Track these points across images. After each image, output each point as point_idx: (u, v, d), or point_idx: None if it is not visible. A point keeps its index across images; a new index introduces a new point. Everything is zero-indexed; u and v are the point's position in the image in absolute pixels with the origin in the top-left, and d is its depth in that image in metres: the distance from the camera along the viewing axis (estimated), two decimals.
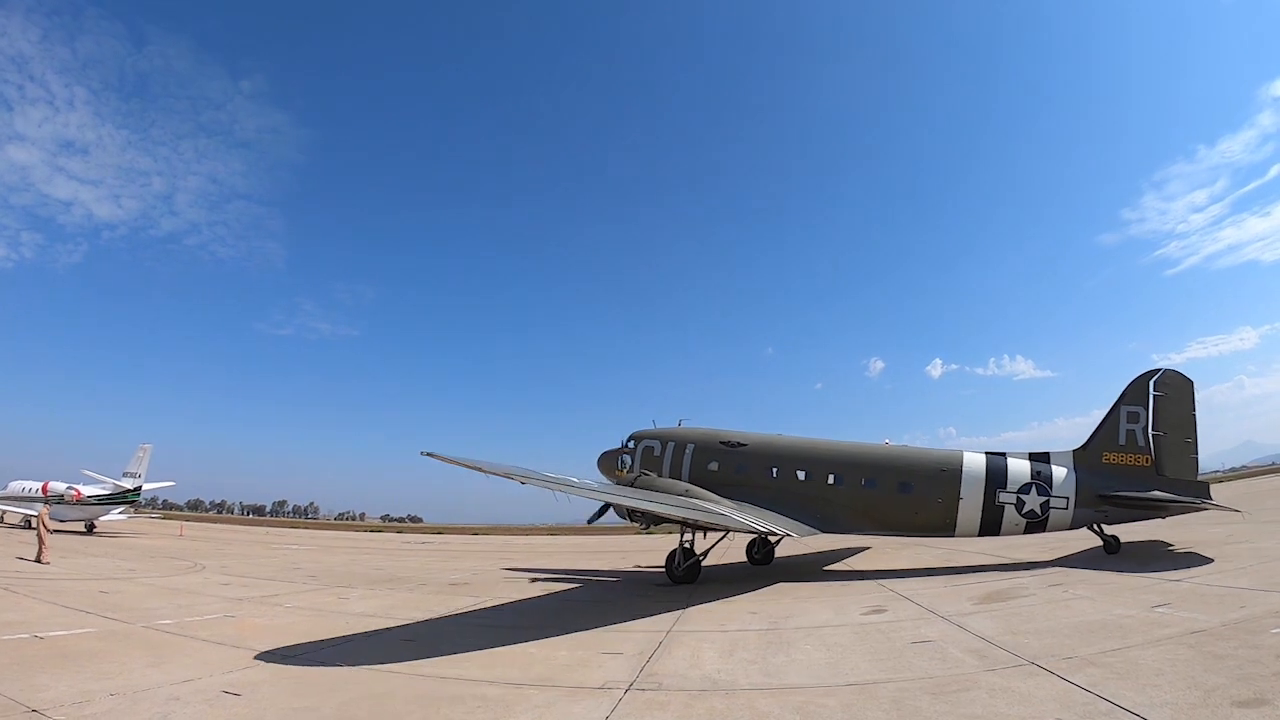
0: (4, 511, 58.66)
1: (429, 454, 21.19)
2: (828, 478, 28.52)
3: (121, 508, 58.70)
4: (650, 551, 35.74)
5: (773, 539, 29.02)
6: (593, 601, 20.92)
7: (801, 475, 28.92)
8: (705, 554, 26.74)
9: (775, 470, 29.39)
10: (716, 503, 26.25)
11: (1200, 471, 25.67)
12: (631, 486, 27.29)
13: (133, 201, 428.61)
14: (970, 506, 26.22)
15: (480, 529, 69.46)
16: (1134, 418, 25.62)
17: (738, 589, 22.28)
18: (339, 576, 29.05)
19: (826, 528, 27.67)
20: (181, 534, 62.68)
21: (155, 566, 31.37)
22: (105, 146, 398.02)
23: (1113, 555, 23.51)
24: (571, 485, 22.73)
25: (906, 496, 27.11)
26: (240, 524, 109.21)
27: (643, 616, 17.74)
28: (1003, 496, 25.86)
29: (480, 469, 21.81)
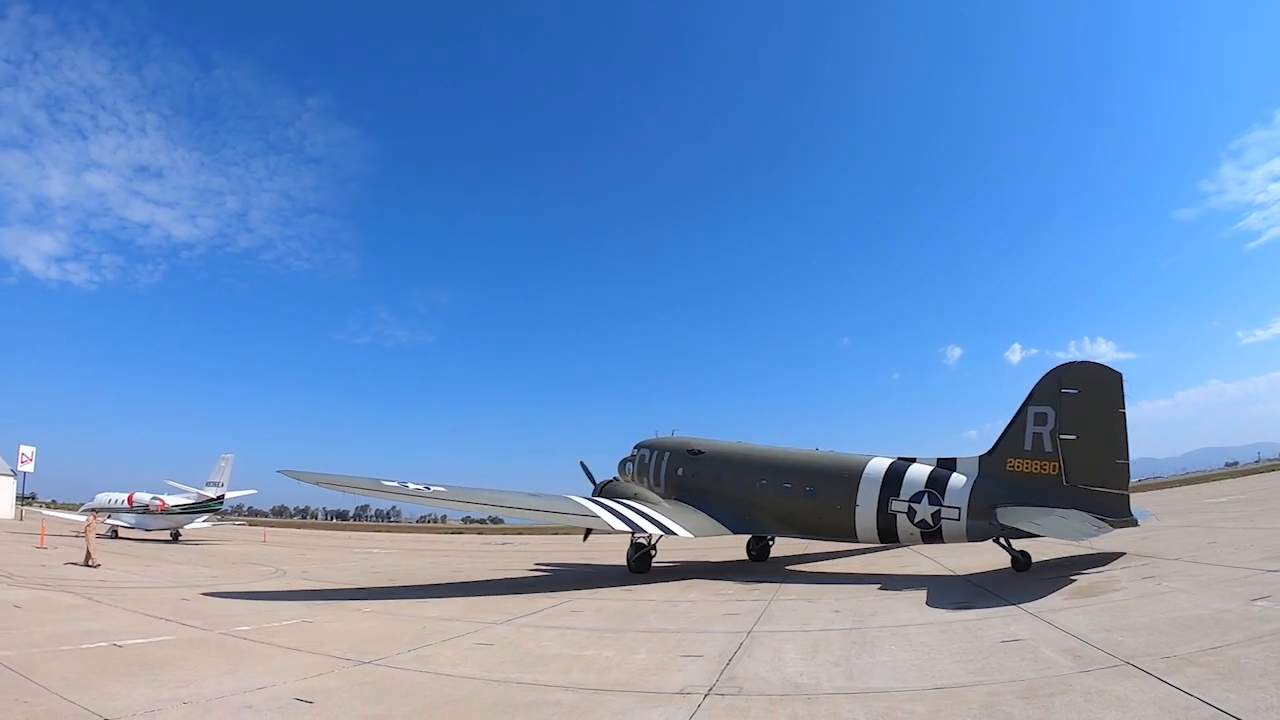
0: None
1: (285, 472, 26.29)
2: (754, 482, 30.36)
3: (205, 516, 59.91)
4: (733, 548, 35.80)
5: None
6: (673, 601, 20.71)
7: (735, 480, 31.22)
8: (654, 548, 30.14)
9: (719, 475, 31.92)
10: (633, 505, 29.28)
11: None
12: (600, 494, 31.93)
13: (209, 221, 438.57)
14: (866, 513, 26.35)
15: (563, 529, 69.78)
16: (1042, 419, 23.05)
17: (809, 586, 21.92)
18: (418, 579, 29.21)
19: (742, 528, 30.29)
20: (265, 540, 63.94)
21: (238, 573, 31.93)
22: (179, 169, 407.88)
23: (1023, 573, 21.55)
24: (425, 496, 27.01)
25: (813, 501, 28.17)
26: (324, 529, 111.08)
27: (724, 615, 17.55)
28: (895, 505, 25.74)
29: (338, 486, 25.13)
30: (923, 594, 19.04)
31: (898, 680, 10.39)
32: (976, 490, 24.03)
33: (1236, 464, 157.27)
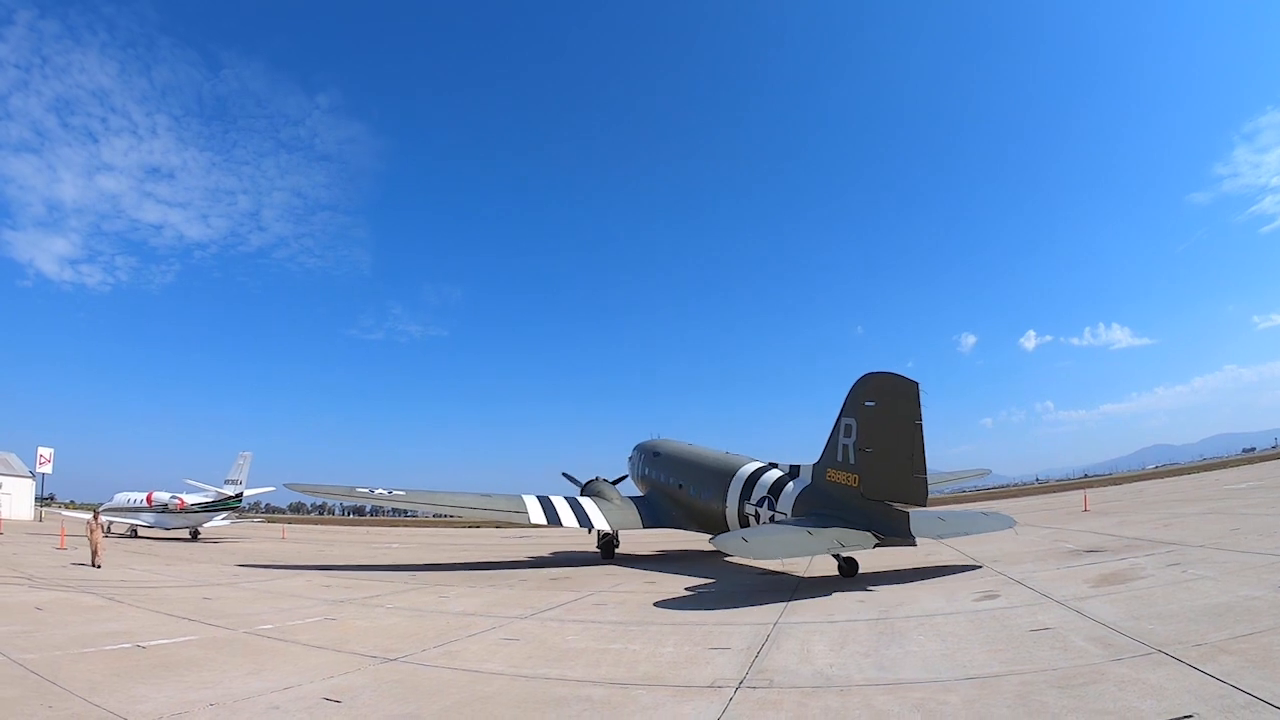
0: (110, 522, 60.35)
1: (290, 485, 36.00)
2: (676, 482, 34.85)
3: (224, 514, 59.95)
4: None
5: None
6: (695, 593, 20.68)
7: (668, 479, 35.72)
8: (616, 538, 35.18)
9: (660, 474, 36.51)
10: (579, 501, 34.02)
11: None
12: (582, 492, 36.82)
13: (221, 220, 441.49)
14: (731, 513, 29.60)
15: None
16: (848, 431, 23.00)
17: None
18: (439, 575, 29.23)
19: (655, 523, 33.98)
20: (284, 537, 64.04)
21: (258, 572, 31.88)
22: (190, 169, 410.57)
23: (849, 579, 21.58)
24: (387, 499, 32.72)
25: (702, 501, 32.06)
26: (341, 525, 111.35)
27: (748, 608, 17.49)
28: (748, 507, 28.57)
29: (319, 493, 31.30)
30: (947, 583, 19.04)
31: (929, 671, 10.33)
32: (800, 498, 25.61)
33: (1254, 450, 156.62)
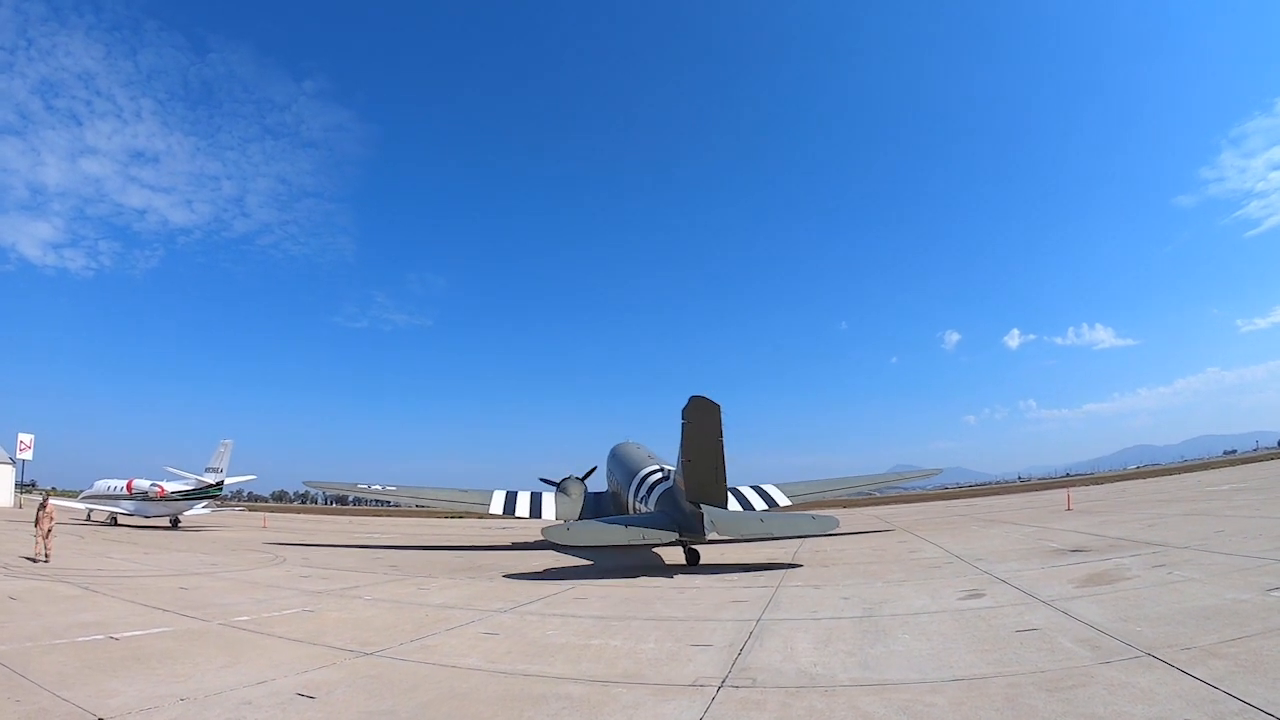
0: (90, 510, 59.90)
1: (308, 483, 44.27)
2: (618, 480, 38.25)
3: (205, 502, 59.52)
4: None
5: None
6: (679, 587, 20.62)
7: (614, 477, 39.67)
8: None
9: (613, 473, 40.31)
10: (540, 494, 38.96)
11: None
12: (558, 487, 41.02)
13: (205, 206, 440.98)
14: (632, 508, 33.09)
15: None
16: (681, 444, 25.88)
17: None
18: (420, 566, 29.13)
19: (599, 516, 36.15)
20: (265, 526, 63.61)
21: (237, 560, 31.68)
22: (175, 154, 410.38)
23: (694, 565, 26.07)
24: (381, 493, 39.49)
25: (625, 497, 34.95)
26: (323, 514, 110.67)
27: (731, 603, 17.44)
28: (638, 503, 32.18)
29: (324, 488, 35.41)
30: (931, 581, 18.94)
31: (915, 671, 10.18)
32: (661, 497, 29.55)
33: (1235, 452, 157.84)
